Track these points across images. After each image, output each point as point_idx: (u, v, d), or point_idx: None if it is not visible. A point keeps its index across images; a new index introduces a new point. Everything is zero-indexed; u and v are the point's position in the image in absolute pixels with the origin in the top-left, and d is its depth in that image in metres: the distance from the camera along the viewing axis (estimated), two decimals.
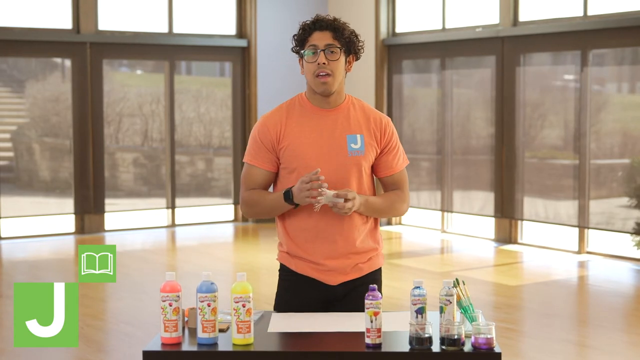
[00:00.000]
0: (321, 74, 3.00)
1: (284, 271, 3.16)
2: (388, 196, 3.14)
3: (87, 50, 9.48)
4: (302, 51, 3.04)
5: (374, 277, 3.14)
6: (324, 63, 2.99)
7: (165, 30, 10.02)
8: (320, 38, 3.02)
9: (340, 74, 3.04)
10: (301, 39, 3.05)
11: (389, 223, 10.16)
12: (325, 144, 3.04)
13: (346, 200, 2.94)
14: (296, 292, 3.10)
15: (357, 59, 3.11)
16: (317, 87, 3.03)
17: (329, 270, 3.07)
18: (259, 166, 3.09)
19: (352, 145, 3.05)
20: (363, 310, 3.01)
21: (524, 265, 8.09)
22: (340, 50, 3.02)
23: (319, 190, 2.90)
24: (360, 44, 3.09)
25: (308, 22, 3.06)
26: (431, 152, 9.77)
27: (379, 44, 9.99)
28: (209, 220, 10.38)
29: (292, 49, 3.11)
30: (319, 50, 3.01)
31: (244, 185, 3.13)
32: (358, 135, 3.06)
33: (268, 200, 3.06)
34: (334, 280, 3.08)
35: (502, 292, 6.86)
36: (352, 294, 3.09)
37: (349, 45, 3.05)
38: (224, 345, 2.66)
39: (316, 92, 3.05)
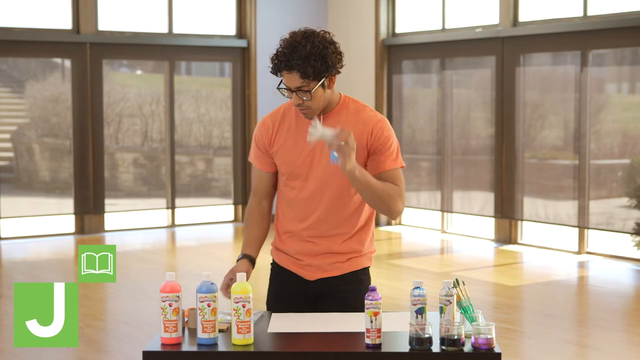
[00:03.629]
0: (300, 109, 2.98)
1: (273, 265, 3.23)
2: (384, 182, 2.97)
3: (87, 51, 9.48)
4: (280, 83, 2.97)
5: (358, 277, 3.12)
6: (299, 104, 2.94)
7: (165, 30, 10.02)
8: (289, 79, 2.91)
9: (320, 98, 2.95)
10: (275, 72, 2.97)
11: (388, 223, 10.16)
12: (310, 151, 3.03)
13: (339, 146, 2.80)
14: (281, 284, 3.16)
15: (338, 73, 2.98)
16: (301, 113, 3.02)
17: (306, 265, 3.10)
18: (259, 167, 3.16)
19: (334, 154, 2.98)
20: (345, 310, 3.03)
21: (524, 265, 8.09)
22: (312, 85, 2.90)
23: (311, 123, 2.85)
24: (338, 57, 2.93)
25: (275, 56, 2.93)
26: (431, 153, 9.77)
27: (379, 44, 9.99)
28: (209, 220, 10.38)
29: (270, 70, 2.99)
30: (292, 91, 2.93)
31: (252, 185, 3.23)
32: None
33: (244, 234, 3.19)
34: (311, 275, 3.10)
35: (502, 292, 6.86)
36: (333, 292, 3.09)
37: (318, 73, 2.88)
38: (224, 346, 2.66)
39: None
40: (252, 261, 3.10)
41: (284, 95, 3.00)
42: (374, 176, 2.98)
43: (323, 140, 2.83)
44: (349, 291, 3.09)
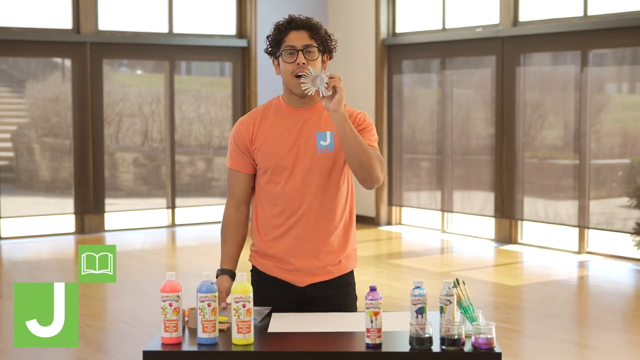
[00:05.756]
0: (300, 74, 2.96)
1: (254, 272, 3.16)
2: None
3: (87, 50, 9.48)
4: (279, 52, 3.01)
5: (346, 280, 3.12)
6: (303, 63, 2.95)
7: (165, 30, 10.02)
8: (297, 38, 2.98)
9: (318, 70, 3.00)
10: (276, 40, 3.01)
11: (389, 223, 10.16)
12: (295, 142, 3.02)
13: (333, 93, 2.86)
14: (266, 293, 3.06)
15: (331, 58, 3.08)
16: (295, 88, 2.99)
17: (295, 270, 3.05)
18: (238, 169, 3.10)
19: (322, 142, 3.01)
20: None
21: (524, 265, 8.09)
22: (318, 49, 3.00)
23: (305, 71, 2.90)
24: (334, 43, 3.06)
25: (282, 22, 3.02)
26: (431, 152, 9.77)
27: (379, 44, 9.99)
28: (209, 220, 10.38)
29: (265, 50, 3.07)
30: (297, 51, 2.97)
31: (228, 191, 3.15)
32: (328, 132, 3.01)
33: (222, 248, 3.12)
34: (301, 281, 3.06)
35: (502, 292, 6.86)
36: (322, 297, 3.07)
37: (325, 44, 3.02)
38: (224, 346, 2.66)
39: (293, 92, 3.02)
40: (232, 276, 3.06)
41: (286, 61, 2.98)
42: None
43: (316, 83, 2.86)
44: (337, 296, 3.09)
